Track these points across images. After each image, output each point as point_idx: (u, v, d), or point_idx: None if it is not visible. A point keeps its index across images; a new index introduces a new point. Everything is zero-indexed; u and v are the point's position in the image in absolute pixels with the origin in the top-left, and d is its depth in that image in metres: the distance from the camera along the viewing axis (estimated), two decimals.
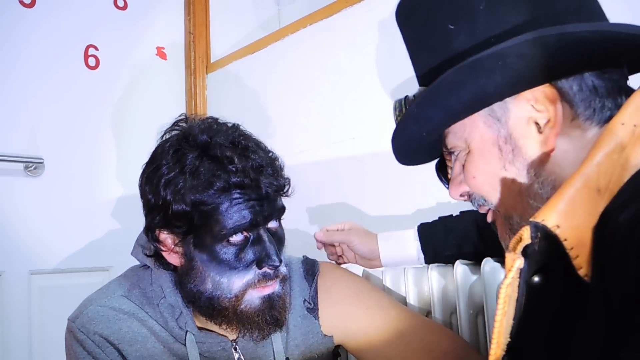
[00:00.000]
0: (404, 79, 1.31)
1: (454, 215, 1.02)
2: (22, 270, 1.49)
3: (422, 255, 1.01)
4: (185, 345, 0.85)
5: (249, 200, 0.79)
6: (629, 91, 0.56)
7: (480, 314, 0.99)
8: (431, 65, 0.62)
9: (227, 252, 0.79)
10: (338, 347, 0.96)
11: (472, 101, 0.58)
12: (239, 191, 0.78)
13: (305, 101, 1.58)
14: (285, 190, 0.84)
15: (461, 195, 0.67)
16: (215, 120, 0.86)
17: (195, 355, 0.85)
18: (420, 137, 0.65)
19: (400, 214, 1.32)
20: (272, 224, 0.83)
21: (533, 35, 0.52)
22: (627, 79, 0.60)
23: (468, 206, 1.01)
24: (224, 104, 1.88)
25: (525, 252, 0.48)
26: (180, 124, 0.85)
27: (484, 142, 0.61)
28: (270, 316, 0.82)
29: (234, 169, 0.78)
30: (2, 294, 1.45)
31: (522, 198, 0.59)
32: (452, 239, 0.98)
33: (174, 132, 0.85)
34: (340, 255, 1.09)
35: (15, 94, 1.53)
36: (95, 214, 1.65)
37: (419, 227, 1.02)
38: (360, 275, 1.09)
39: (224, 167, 0.78)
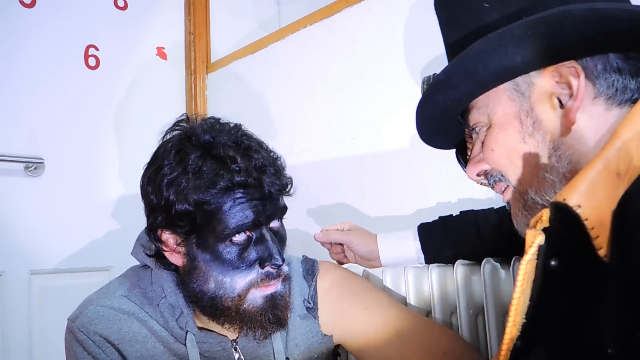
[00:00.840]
0: (405, 79, 1.31)
1: (454, 215, 1.02)
2: (22, 270, 1.49)
3: (422, 256, 1.01)
4: (185, 345, 0.85)
5: (251, 200, 0.79)
6: None
7: (480, 314, 0.99)
8: (462, 42, 0.62)
9: (230, 252, 0.80)
10: (338, 346, 0.96)
11: (498, 71, 0.60)
12: (242, 191, 0.79)
13: (306, 101, 1.58)
14: (287, 190, 0.85)
15: (478, 175, 0.68)
16: (218, 120, 0.86)
17: (196, 355, 0.85)
18: (444, 107, 0.66)
19: (400, 214, 1.32)
20: (274, 224, 0.84)
21: (562, 9, 0.53)
22: None
23: (468, 206, 1.01)
24: (224, 104, 1.88)
25: (545, 230, 0.48)
26: (182, 124, 0.85)
27: (506, 116, 0.62)
28: (273, 315, 0.82)
29: (237, 168, 0.78)
30: (2, 293, 1.45)
31: (538, 171, 0.61)
32: (452, 240, 0.98)
33: (175, 132, 0.85)
34: (345, 255, 1.09)
35: (15, 93, 1.53)
36: (95, 213, 1.65)
37: (418, 227, 1.02)
38: (360, 275, 1.09)
39: (227, 167, 0.78)
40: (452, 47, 0.66)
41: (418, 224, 1.04)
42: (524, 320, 0.50)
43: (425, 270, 1.03)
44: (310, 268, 0.96)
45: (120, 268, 0.98)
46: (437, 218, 1.03)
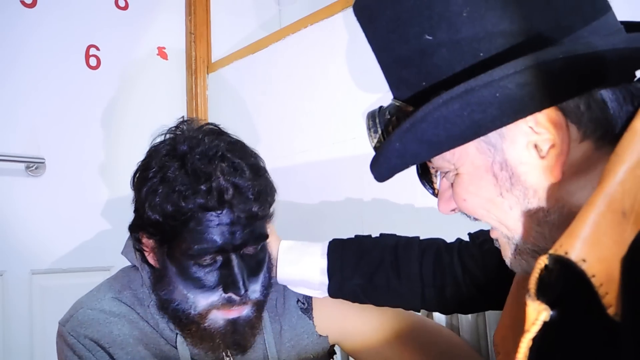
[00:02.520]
0: None
1: (373, 237, 0.90)
2: (23, 270, 1.49)
3: (325, 280, 0.86)
4: (176, 347, 0.84)
5: (219, 225, 0.76)
6: (637, 94, 0.50)
7: (480, 314, 0.99)
8: (408, 81, 0.53)
9: (194, 271, 0.78)
10: (333, 347, 0.95)
11: (463, 135, 0.50)
12: (210, 213, 0.76)
13: (306, 101, 1.58)
14: (259, 218, 0.79)
15: (452, 210, 0.59)
16: (211, 130, 0.83)
17: (187, 357, 0.84)
18: (404, 167, 0.56)
19: (401, 214, 1.31)
20: (248, 250, 0.80)
21: (536, 59, 0.44)
22: (635, 77, 0.53)
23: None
24: (225, 104, 1.88)
25: (542, 284, 0.42)
26: (181, 126, 0.84)
27: (476, 169, 0.53)
28: (232, 340, 0.80)
29: (204, 188, 0.75)
30: (3, 293, 1.45)
31: (523, 224, 0.53)
32: (365, 265, 0.84)
33: (170, 136, 0.84)
34: None
35: (16, 93, 1.53)
36: (96, 213, 1.65)
37: (330, 244, 0.89)
38: None
39: (195, 184, 0.75)
40: (395, 83, 0.56)
41: (380, 232, 0.91)
42: None
43: None
44: None
45: (121, 268, 0.98)
46: (353, 237, 0.91)
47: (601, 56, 0.45)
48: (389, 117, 0.57)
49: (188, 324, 0.80)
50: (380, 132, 0.58)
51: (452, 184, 0.57)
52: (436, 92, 0.49)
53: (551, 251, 0.42)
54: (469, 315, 0.98)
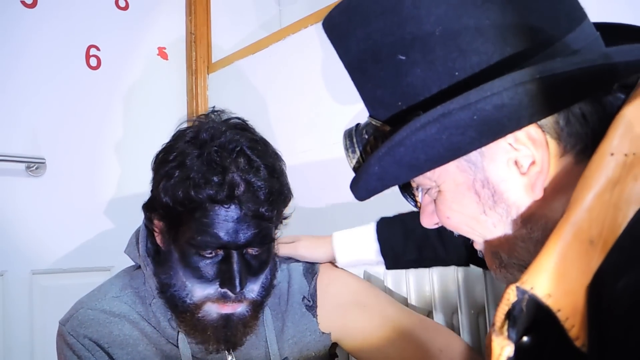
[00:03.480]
0: None
1: (415, 212, 0.96)
2: (23, 270, 1.49)
3: (381, 259, 0.94)
4: (177, 346, 0.84)
5: (225, 221, 0.75)
6: (617, 104, 0.49)
7: (481, 314, 0.99)
8: (383, 101, 0.52)
9: (195, 260, 0.78)
10: (334, 346, 0.95)
11: (443, 157, 0.49)
12: (219, 207, 0.75)
13: (307, 101, 1.58)
14: (266, 218, 0.78)
15: (436, 224, 0.59)
16: (236, 124, 0.83)
17: (188, 356, 0.84)
18: (384, 188, 0.55)
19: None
20: (251, 249, 0.79)
21: (512, 81, 0.43)
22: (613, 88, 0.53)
23: None
24: (226, 104, 1.86)
25: (511, 314, 0.42)
26: (210, 115, 0.85)
27: (458, 186, 0.52)
28: (224, 335, 0.80)
29: (216, 180, 0.74)
30: (3, 293, 1.45)
31: (508, 240, 0.53)
32: (412, 243, 0.91)
33: (197, 122, 0.84)
34: None
35: (16, 94, 1.53)
36: (96, 213, 1.65)
37: (377, 227, 0.94)
38: (362, 275, 1.09)
39: (209, 175, 0.74)
40: (370, 102, 0.55)
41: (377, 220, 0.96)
42: None
43: (426, 270, 1.03)
44: (310, 267, 0.96)
45: (122, 268, 0.97)
46: (396, 214, 0.96)
47: (578, 74, 0.44)
48: (366, 137, 0.56)
49: (183, 311, 0.80)
50: (358, 153, 0.57)
51: (434, 200, 0.56)
52: (413, 112, 0.48)
53: (518, 284, 0.42)
54: (470, 316, 0.98)
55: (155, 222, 0.83)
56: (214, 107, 0.88)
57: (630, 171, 0.42)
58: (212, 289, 0.79)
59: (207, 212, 0.75)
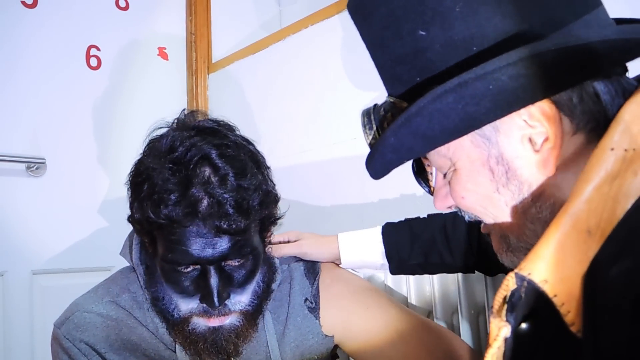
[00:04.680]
0: None
1: (422, 218, 0.95)
2: (24, 270, 1.49)
3: (386, 262, 0.93)
4: (175, 352, 0.82)
5: (193, 237, 0.70)
6: (629, 88, 0.50)
7: (481, 313, 0.99)
8: (402, 77, 0.53)
9: (173, 276, 0.74)
10: (336, 347, 0.94)
11: (458, 128, 0.50)
12: (188, 224, 0.70)
13: (307, 101, 1.58)
14: (244, 231, 0.73)
15: (449, 207, 0.60)
16: (205, 128, 0.76)
17: None
18: (399, 163, 0.56)
19: (401, 214, 1.31)
20: (231, 261, 0.75)
21: (528, 52, 0.44)
22: (627, 71, 0.54)
23: None
24: (226, 105, 1.89)
25: (511, 301, 0.44)
26: (180, 119, 0.81)
27: (472, 163, 0.53)
28: (214, 346, 0.76)
29: (173, 198, 0.68)
30: (4, 294, 1.45)
31: (518, 221, 0.53)
32: (419, 247, 0.90)
33: (165, 129, 0.80)
34: None
35: (17, 94, 1.53)
36: (97, 214, 1.65)
37: (383, 230, 0.94)
38: (362, 275, 1.09)
39: (168, 193, 0.69)
40: (390, 79, 0.56)
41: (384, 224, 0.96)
42: None
43: None
44: (311, 267, 0.94)
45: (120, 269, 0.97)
46: (403, 220, 0.96)
47: (593, 48, 0.45)
48: (383, 113, 0.57)
49: (175, 324, 0.78)
50: (375, 128, 0.58)
51: (449, 182, 0.57)
52: (430, 87, 0.49)
53: (516, 270, 0.44)
54: (470, 315, 0.98)
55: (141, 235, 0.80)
56: (184, 109, 0.82)
57: (630, 166, 0.43)
58: (195, 304, 0.75)
59: (172, 229, 0.70)
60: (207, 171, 0.71)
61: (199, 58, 1.93)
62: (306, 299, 0.91)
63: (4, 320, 1.44)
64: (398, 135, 0.52)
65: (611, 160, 0.44)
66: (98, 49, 1.71)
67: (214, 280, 0.73)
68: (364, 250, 0.94)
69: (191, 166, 0.70)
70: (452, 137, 0.51)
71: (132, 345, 0.82)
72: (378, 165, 0.57)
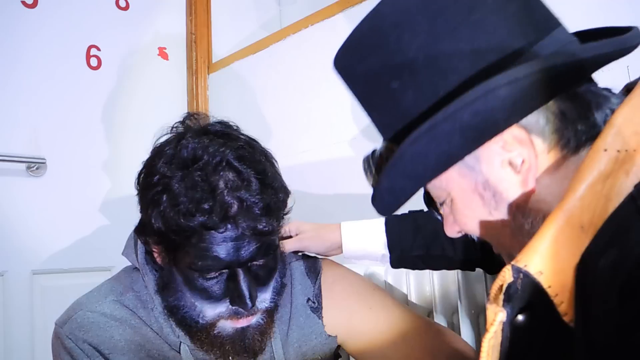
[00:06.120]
0: None
1: (425, 210, 0.98)
2: (24, 270, 1.49)
3: (387, 253, 0.94)
4: (179, 352, 0.82)
5: (224, 242, 0.72)
6: (597, 99, 0.53)
7: (482, 313, 0.99)
8: (388, 124, 0.59)
9: (200, 282, 0.75)
10: (338, 348, 0.94)
11: (439, 165, 0.55)
12: (214, 231, 0.71)
13: (307, 101, 1.58)
14: (268, 235, 0.75)
15: (458, 232, 0.63)
16: (218, 132, 0.77)
17: None
18: (398, 204, 0.61)
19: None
20: (257, 261, 0.76)
21: (483, 90, 0.48)
22: (592, 81, 0.57)
23: None
24: (226, 104, 1.89)
25: (507, 292, 0.46)
26: (187, 123, 0.81)
27: (464, 191, 0.57)
28: (242, 346, 0.77)
29: (206, 207, 0.70)
30: (4, 294, 1.45)
31: (516, 238, 0.57)
32: (421, 238, 0.91)
33: (173, 135, 0.79)
34: None
35: (17, 94, 1.53)
36: (97, 213, 1.65)
37: (387, 220, 0.95)
38: (363, 273, 1.09)
39: (197, 201, 0.70)
40: (379, 127, 0.62)
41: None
42: None
43: None
44: (312, 266, 0.93)
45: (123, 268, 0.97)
46: (407, 212, 0.96)
47: (540, 75, 0.49)
48: (379, 157, 0.63)
49: (197, 331, 0.78)
50: (374, 172, 0.64)
51: (452, 212, 0.61)
52: (409, 132, 0.53)
53: (513, 262, 0.46)
54: (471, 315, 0.98)
55: (152, 244, 0.79)
56: (187, 113, 0.83)
57: (622, 166, 0.46)
58: (223, 307, 0.76)
59: (203, 236, 0.71)
60: (231, 176, 0.72)
61: (199, 58, 1.93)
62: (308, 299, 0.90)
63: (4, 320, 1.44)
64: (390, 178, 0.57)
65: (604, 160, 0.46)
66: (98, 49, 1.71)
67: (244, 283, 0.74)
68: (367, 240, 0.95)
69: (216, 172, 0.71)
70: (437, 173, 0.56)
71: (136, 346, 0.81)
72: (381, 209, 0.62)
